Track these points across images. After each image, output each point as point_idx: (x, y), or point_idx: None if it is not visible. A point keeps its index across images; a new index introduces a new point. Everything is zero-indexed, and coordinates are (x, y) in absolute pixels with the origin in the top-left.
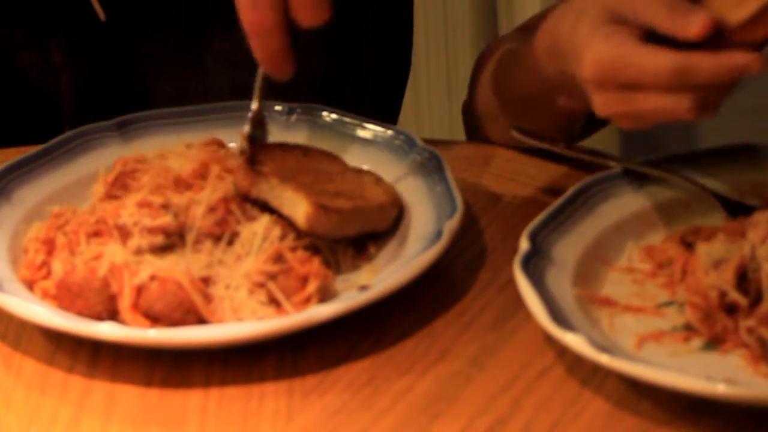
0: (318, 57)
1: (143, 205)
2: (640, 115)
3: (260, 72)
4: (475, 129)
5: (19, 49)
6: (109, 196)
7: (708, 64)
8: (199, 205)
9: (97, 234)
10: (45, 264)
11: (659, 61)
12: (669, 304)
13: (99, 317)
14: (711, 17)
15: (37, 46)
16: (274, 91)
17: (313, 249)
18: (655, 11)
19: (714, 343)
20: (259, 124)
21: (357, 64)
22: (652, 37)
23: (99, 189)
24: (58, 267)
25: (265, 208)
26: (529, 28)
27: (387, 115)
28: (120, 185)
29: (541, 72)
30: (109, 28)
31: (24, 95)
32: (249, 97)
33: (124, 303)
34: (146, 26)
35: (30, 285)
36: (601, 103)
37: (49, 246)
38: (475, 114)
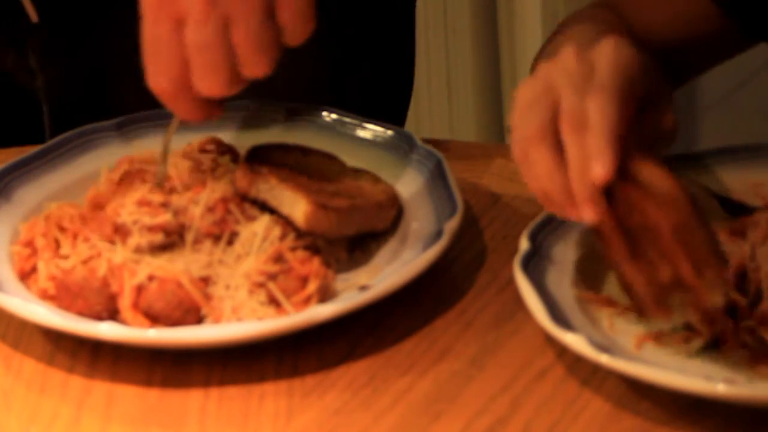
0: (315, 71)
1: (143, 203)
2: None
3: (175, 120)
4: None
5: (1, 51)
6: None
7: (558, 201)
8: (198, 205)
9: (62, 229)
10: (29, 259)
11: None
12: None
13: (99, 317)
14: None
15: (15, 50)
16: (277, 91)
17: (313, 249)
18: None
19: (714, 343)
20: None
21: (356, 76)
22: None
23: (101, 188)
24: (42, 267)
25: (264, 207)
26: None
27: (393, 117)
28: (128, 185)
29: None
30: (79, 32)
31: (10, 96)
32: (243, 97)
33: (125, 302)
34: (115, 29)
35: (26, 281)
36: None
37: (32, 248)
38: None
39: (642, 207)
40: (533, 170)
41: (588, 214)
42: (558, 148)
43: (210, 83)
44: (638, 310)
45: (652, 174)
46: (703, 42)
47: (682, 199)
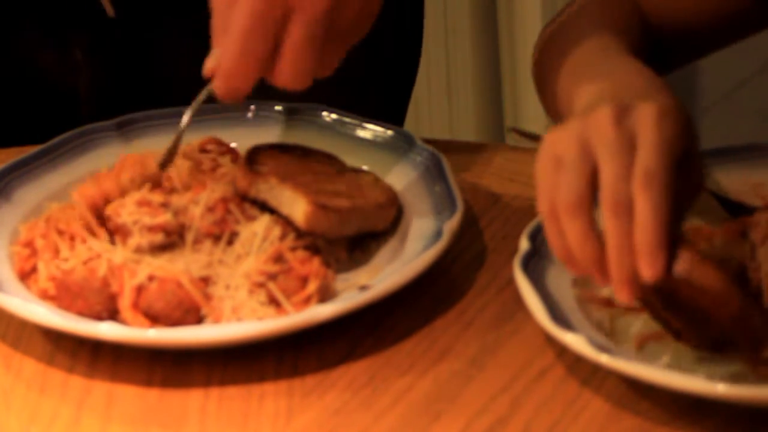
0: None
1: (143, 203)
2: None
3: (206, 90)
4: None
5: (38, 49)
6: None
7: (585, 269)
8: (198, 205)
9: (60, 233)
10: (29, 259)
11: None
12: None
13: (99, 317)
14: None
15: (56, 46)
16: (277, 90)
17: (313, 249)
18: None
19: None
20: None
21: (367, 62)
22: None
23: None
24: (42, 267)
25: (264, 207)
26: None
27: (393, 115)
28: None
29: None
30: (127, 26)
31: (44, 94)
32: (259, 97)
33: (125, 302)
34: (164, 24)
35: (26, 281)
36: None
37: (31, 248)
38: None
39: (691, 298)
40: (563, 235)
41: (623, 296)
42: (591, 218)
43: (300, 76)
44: (673, 334)
45: (700, 273)
46: (723, 21)
47: (735, 295)
